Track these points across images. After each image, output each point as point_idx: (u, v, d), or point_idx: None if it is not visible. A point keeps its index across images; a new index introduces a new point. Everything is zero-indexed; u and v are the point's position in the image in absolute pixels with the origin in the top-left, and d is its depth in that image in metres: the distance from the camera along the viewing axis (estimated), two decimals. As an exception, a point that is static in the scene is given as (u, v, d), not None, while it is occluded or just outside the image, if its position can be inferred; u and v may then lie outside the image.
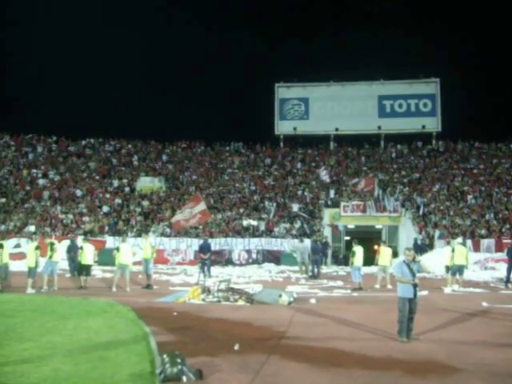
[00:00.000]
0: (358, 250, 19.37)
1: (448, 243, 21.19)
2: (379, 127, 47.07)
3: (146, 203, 36.93)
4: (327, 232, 33.72)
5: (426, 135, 47.23)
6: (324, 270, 26.62)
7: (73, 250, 22.06)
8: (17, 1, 64.12)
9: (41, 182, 39.42)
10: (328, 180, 38.84)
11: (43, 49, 64.58)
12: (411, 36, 60.17)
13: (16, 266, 19.76)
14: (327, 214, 35.19)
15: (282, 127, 48.53)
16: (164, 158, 44.84)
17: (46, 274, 17.62)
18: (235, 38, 62.49)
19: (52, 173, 40.79)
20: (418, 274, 10.41)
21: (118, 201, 37.02)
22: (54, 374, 7.13)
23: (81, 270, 18.52)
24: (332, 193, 37.58)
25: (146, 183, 40.04)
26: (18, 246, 25.13)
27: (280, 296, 14.74)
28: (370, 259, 22.60)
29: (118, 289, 17.69)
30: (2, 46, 66.16)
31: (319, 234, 31.97)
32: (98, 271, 24.26)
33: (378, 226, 35.34)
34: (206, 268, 21.99)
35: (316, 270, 23.74)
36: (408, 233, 32.96)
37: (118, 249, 18.29)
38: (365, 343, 9.57)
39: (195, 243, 29.67)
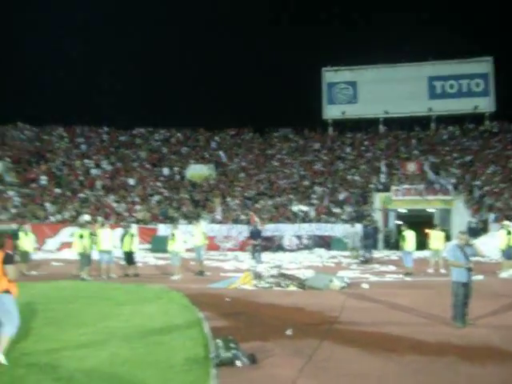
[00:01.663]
0: (409, 235, 19.10)
1: (502, 226, 20.61)
2: (430, 109, 46.16)
3: (196, 191, 37.33)
4: (378, 216, 33.36)
5: (479, 116, 45.97)
6: (375, 254, 26.38)
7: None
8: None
9: (93, 171, 40.30)
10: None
11: (96, 42, 65.81)
12: (462, 14, 58.64)
13: (73, 255, 20.18)
14: (378, 198, 34.81)
15: (331, 111, 48.16)
16: (213, 145, 45.11)
17: (102, 262, 18.04)
18: (283, 23, 62.20)
19: (104, 163, 41.64)
20: (472, 258, 10.19)
21: (169, 189, 37.53)
22: (111, 358, 7.33)
23: (132, 257, 18.78)
24: (383, 177, 37.10)
25: (196, 171, 40.48)
26: (73, 235, 25.75)
27: (331, 281, 14.68)
28: (422, 243, 22.25)
29: (169, 276, 17.96)
30: (57, 44, 67.65)
31: (370, 219, 31.65)
32: (151, 258, 24.74)
33: (430, 210, 34.73)
34: (256, 254, 22.16)
35: (368, 254, 23.60)
36: (461, 216, 32.20)
37: (173, 235, 18.49)
38: (418, 328, 9.46)
39: (245, 230, 29.86)
